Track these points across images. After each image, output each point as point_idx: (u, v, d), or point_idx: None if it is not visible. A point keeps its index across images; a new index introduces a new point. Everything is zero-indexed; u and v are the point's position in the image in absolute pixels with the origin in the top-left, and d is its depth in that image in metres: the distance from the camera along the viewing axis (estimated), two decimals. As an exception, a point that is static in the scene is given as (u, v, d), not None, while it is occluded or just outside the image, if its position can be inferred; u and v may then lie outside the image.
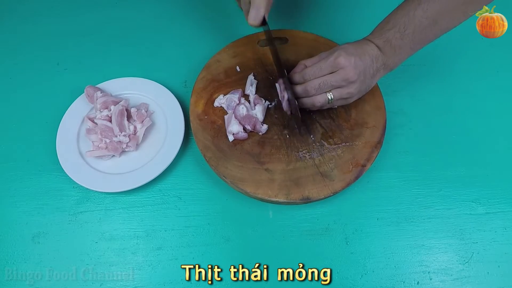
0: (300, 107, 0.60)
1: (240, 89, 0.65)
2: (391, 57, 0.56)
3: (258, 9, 0.55)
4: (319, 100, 0.58)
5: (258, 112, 0.62)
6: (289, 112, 0.61)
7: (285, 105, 0.60)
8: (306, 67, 0.60)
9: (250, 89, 0.65)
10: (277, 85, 0.64)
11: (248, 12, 0.57)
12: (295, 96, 0.59)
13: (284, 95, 0.60)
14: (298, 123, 0.60)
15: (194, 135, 0.61)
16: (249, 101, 0.64)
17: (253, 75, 0.67)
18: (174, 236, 0.58)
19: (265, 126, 0.61)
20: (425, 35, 0.55)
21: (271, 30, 0.61)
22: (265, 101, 0.64)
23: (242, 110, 0.61)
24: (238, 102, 0.63)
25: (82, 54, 0.75)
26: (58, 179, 0.62)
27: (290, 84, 0.60)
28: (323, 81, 0.56)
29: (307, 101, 0.59)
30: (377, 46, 0.56)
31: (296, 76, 0.60)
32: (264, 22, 0.58)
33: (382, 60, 0.56)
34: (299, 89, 0.59)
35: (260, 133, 0.62)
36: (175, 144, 0.62)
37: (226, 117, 0.63)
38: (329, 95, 0.57)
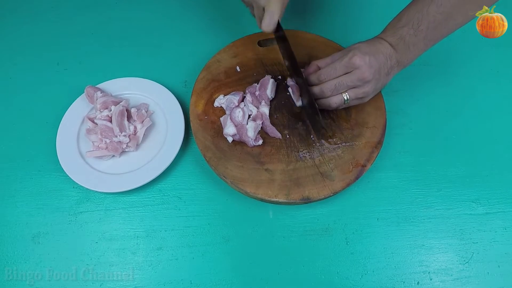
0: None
1: (241, 92, 0.65)
2: (404, 54, 0.56)
3: (272, 15, 0.54)
4: (335, 101, 0.57)
5: (250, 128, 0.60)
6: (301, 103, 0.63)
7: (300, 101, 0.62)
8: (318, 68, 0.60)
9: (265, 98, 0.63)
10: (289, 84, 0.64)
11: (261, 18, 0.56)
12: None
13: (296, 91, 0.62)
14: (318, 125, 0.58)
15: (194, 135, 0.61)
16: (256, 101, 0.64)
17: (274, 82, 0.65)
18: (174, 236, 0.58)
19: (260, 142, 0.60)
20: (439, 30, 0.55)
21: (285, 33, 0.60)
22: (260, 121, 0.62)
23: (239, 113, 0.61)
24: (236, 104, 0.63)
25: (82, 54, 0.75)
26: (58, 179, 0.62)
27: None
28: (339, 82, 0.56)
29: (323, 102, 0.59)
30: (390, 44, 0.55)
31: (311, 77, 0.59)
32: (278, 28, 0.57)
33: (395, 57, 0.56)
34: (314, 90, 0.58)
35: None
36: (175, 144, 0.62)
37: (222, 118, 0.62)
38: (345, 96, 0.57)
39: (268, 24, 0.55)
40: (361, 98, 0.58)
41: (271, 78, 0.65)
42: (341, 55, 0.57)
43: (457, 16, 0.53)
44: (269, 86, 0.64)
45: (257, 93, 0.64)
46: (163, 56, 0.75)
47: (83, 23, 0.80)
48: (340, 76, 0.56)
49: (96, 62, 0.74)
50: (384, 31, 0.58)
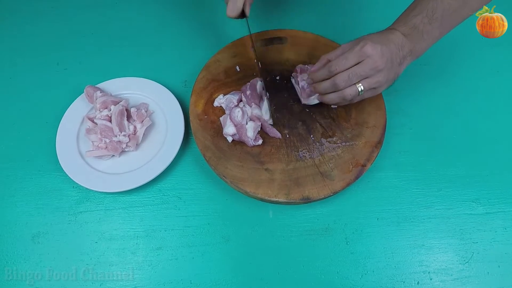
0: (329, 103, 0.60)
1: (241, 92, 0.65)
2: (418, 43, 0.55)
3: (235, 1, 0.55)
4: (349, 92, 0.55)
5: (250, 128, 0.60)
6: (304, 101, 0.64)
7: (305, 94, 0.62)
8: (329, 61, 0.58)
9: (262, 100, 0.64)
10: (292, 80, 0.65)
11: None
12: (321, 93, 0.59)
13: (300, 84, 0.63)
14: None
15: (194, 135, 0.61)
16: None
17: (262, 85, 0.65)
18: (174, 236, 0.58)
19: (259, 141, 0.60)
20: (454, 17, 0.55)
21: (251, 30, 0.61)
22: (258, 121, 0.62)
23: (238, 113, 0.61)
24: (236, 104, 0.62)
25: (82, 54, 0.75)
26: (58, 179, 0.62)
27: (314, 81, 0.59)
28: (352, 72, 0.54)
29: (336, 96, 0.57)
30: (403, 34, 0.55)
31: (321, 72, 0.58)
32: (243, 15, 0.58)
33: (408, 47, 0.55)
34: (326, 84, 0.57)
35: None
36: (175, 144, 0.62)
37: (221, 118, 0.62)
38: (360, 87, 0.55)
39: (232, 10, 0.56)
40: (375, 88, 0.56)
41: (260, 80, 0.65)
42: (351, 46, 0.55)
43: (472, 2, 0.53)
44: (257, 88, 0.64)
45: (248, 92, 0.64)
46: (163, 56, 0.75)
47: (83, 23, 0.80)
48: (352, 66, 0.54)
49: (96, 62, 0.74)
50: (396, 21, 0.57)
